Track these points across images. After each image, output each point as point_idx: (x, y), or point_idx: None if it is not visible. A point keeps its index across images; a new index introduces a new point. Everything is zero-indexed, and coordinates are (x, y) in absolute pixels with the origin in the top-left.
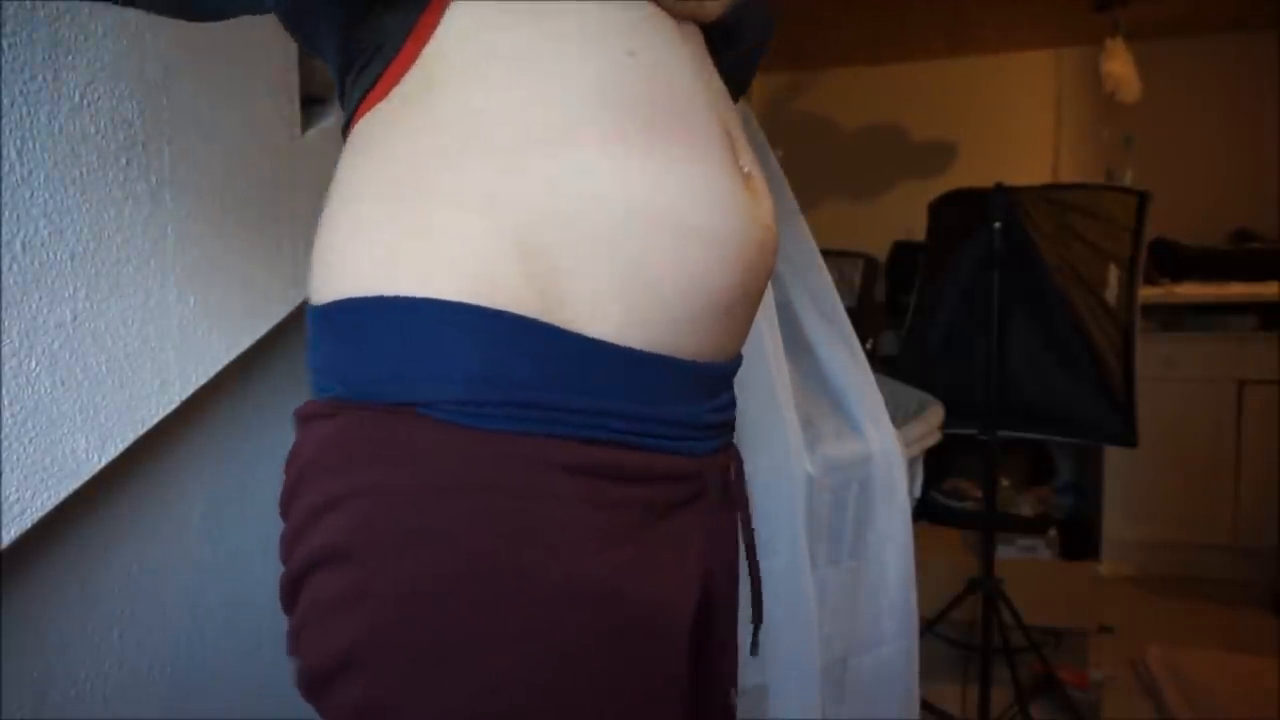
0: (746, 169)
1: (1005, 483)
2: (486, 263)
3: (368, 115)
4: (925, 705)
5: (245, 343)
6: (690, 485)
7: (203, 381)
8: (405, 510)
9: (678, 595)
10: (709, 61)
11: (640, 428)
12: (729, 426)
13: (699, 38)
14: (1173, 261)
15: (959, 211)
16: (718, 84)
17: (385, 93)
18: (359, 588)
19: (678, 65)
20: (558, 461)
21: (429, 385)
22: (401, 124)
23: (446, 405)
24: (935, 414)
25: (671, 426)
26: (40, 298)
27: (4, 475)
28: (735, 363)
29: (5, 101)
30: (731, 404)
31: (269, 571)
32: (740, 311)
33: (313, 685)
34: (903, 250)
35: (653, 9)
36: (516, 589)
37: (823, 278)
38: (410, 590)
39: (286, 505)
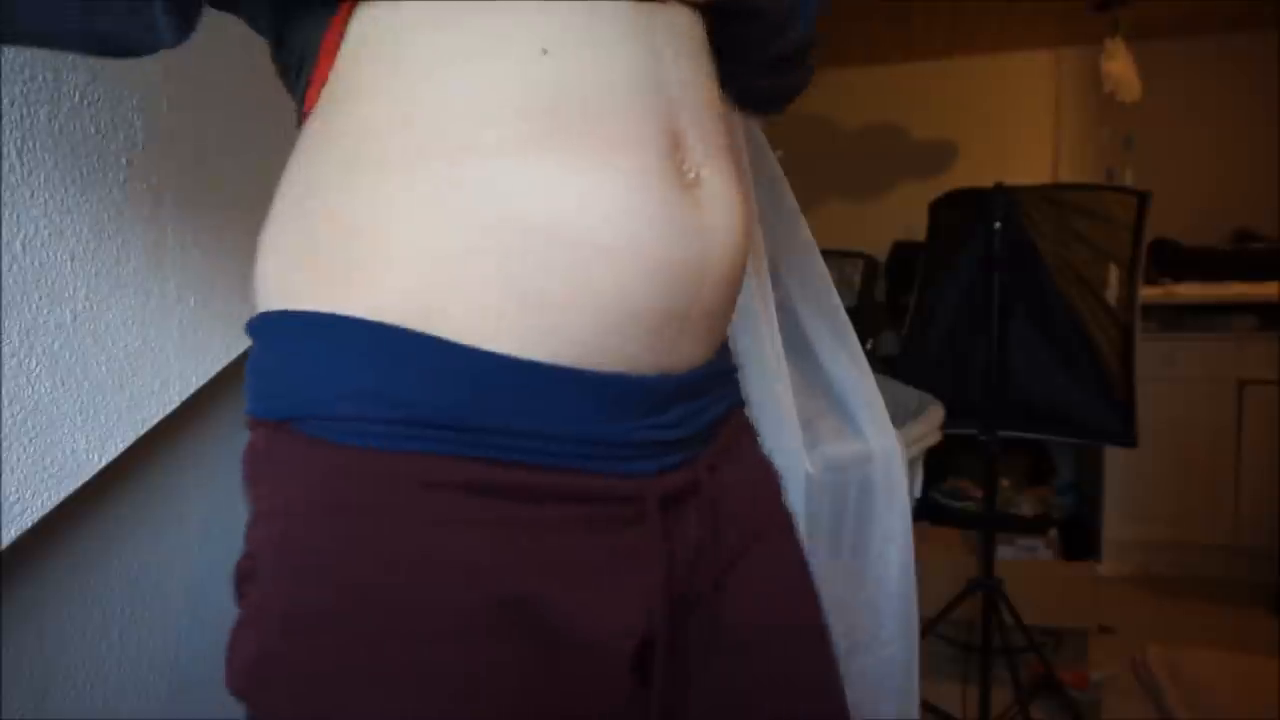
0: (693, 174)
1: (1005, 483)
2: (374, 276)
3: (303, 126)
4: (925, 705)
5: (245, 342)
6: (625, 507)
7: (203, 382)
8: (292, 532)
9: (600, 622)
10: (687, 54)
11: (542, 445)
12: (688, 443)
13: (686, 25)
14: (1173, 261)
15: (959, 211)
16: (687, 77)
17: (312, 104)
18: (259, 607)
19: (610, 60)
20: (442, 480)
21: (303, 401)
22: (318, 136)
23: (317, 421)
24: (935, 414)
25: (586, 445)
26: (40, 298)
27: (4, 475)
28: (693, 375)
29: (5, 101)
30: (692, 417)
31: None
32: (680, 327)
33: (232, 689)
34: (903, 250)
35: None
36: (400, 617)
37: (823, 278)
38: (293, 615)
39: None
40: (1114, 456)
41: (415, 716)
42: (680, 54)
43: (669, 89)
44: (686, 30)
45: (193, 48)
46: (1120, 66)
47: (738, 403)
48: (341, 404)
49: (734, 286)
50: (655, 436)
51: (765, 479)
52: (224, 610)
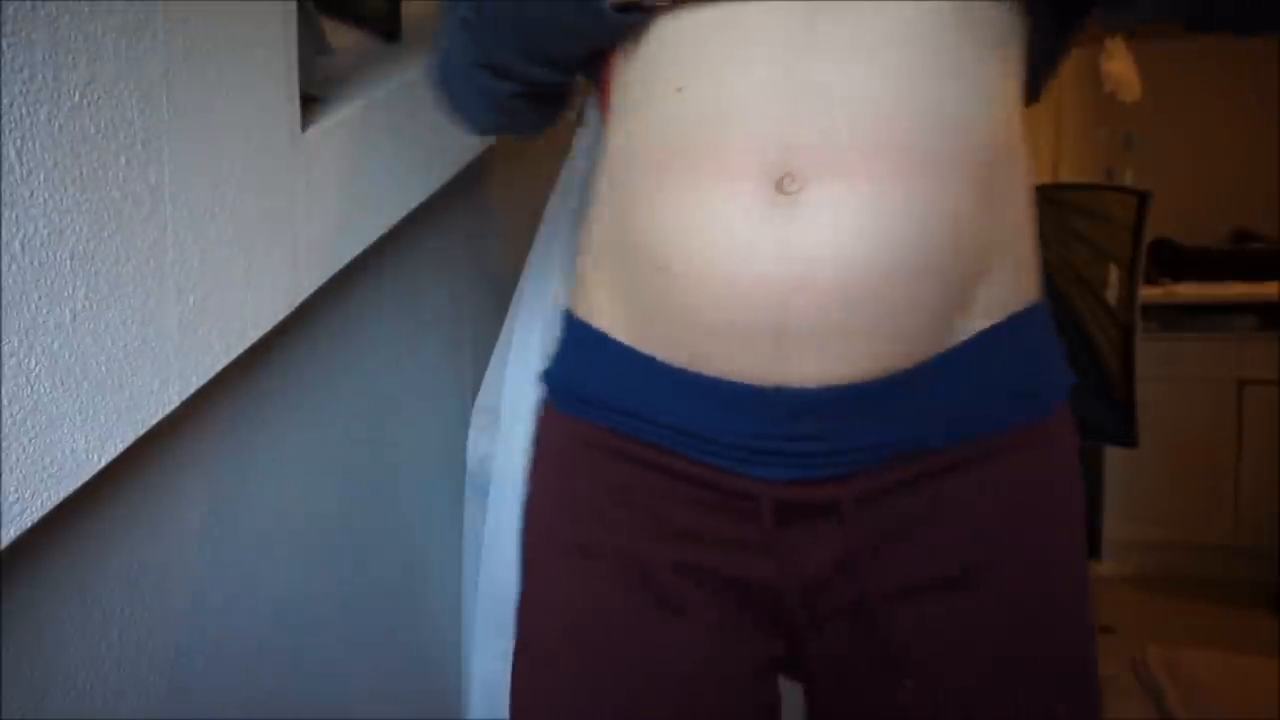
0: (798, 190)
1: None
2: (577, 287)
3: None
4: None
5: (245, 342)
6: (731, 500)
7: (203, 382)
8: (532, 463)
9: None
10: (883, 50)
11: (662, 432)
12: (833, 458)
13: (910, 19)
14: (1172, 261)
15: None
16: (849, 82)
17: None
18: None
19: (732, 88)
20: (594, 442)
21: (547, 379)
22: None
23: (550, 393)
24: None
25: (701, 440)
26: (40, 298)
27: (4, 475)
28: (838, 392)
29: (5, 101)
30: (843, 434)
31: (270, 571)
32: (775, 340)
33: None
34: None
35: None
36: (553, 538)
37: None
38: (524, 515)
39: None
40: (1114, 456)
41: (552, 620)
42: (857, 53)
43: (801, 103)
44: (902, 24)
45: (193, 47)
46: (1120, 66)
47: (983, 426)
48: (558, 382)
49: (862, 301)
50: (779, 446)
51: (1012, 510)
52: (224, 610)
